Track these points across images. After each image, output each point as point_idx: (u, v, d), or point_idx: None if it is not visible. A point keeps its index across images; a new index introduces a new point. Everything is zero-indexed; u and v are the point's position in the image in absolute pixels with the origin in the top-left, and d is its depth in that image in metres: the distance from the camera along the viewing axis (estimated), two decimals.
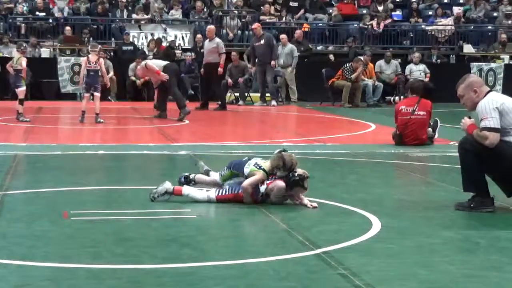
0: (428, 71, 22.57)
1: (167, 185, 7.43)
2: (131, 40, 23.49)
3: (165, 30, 24.01)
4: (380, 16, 25.76)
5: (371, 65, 21.98)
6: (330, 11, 26.33)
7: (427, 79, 21.98)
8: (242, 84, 21.11)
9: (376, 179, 9.36)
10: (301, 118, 18.52)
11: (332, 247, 5.71)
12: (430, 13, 26.89)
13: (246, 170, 7.38)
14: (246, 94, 21.29)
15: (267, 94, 20.73)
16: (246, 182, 7.26)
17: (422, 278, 4.99)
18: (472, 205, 7.12)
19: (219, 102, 19.29)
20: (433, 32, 25.77)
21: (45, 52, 22.99)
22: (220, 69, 18.89)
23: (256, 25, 21.03)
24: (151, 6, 25.08)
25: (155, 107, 16.70)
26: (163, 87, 16.35)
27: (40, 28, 24.25)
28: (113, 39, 24.24)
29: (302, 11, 26.08)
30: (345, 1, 26.84)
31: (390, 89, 22.37)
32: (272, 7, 25.66)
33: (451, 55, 25.63)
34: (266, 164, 7.37)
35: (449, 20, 26.02)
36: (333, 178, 9.28)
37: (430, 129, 12.54)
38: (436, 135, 12.79)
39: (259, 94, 20.92)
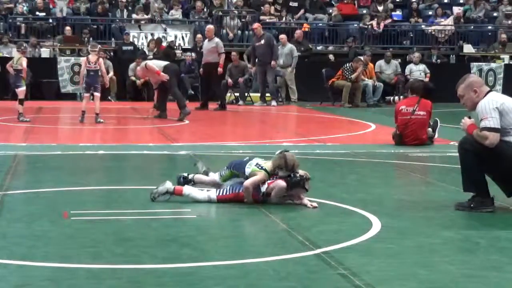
0: (428, 71, 22.58)
1: (168, 185, 7.43)
2: (131, 40, 23.49)
3: (165, 30, 24.02)
4: (380, 16, 25.76)
5: (371, 65, 21.98)
6: (330, 11, 26.34)
7: (427, 79, 21.99)
8: (242, 84, 21.11)
9: (376, 179, 9.36)
10: (301, 118, 18.52)
11: (332, 247, 5.71)
12: (430, 13, 26.89)
13: (248, 170, 7.38)
14: (246, 94, 21.29)
15: (267, 94, 20.73)
16: (248, 182, 7.26)
17: (422, 278, 4.99)
18: (472, 205, 7.12)
19: (219, 102, 19.29)
20: (433, 32, 25.77)
21: (45, 52, 23.00)
22: (219, 69, 18.89)
23: (256, 25, 21.02)
24: (151, 6, 25.08)
25: (155, 107, 16.69)
26: (163, 87, 16.34)
27: (40, 28, 24.26)
28: (113, 39, 24.24)
29: (302, 11, 26.08)
30: (345, 1, 26.84)
31: (390, 89, 22.37)
32: (272, 7, 25.66)
33: (451, 55, 25.64)
34: (268, 164, 7.38)
35: (449, 20, 26.02)
36: (333, 178, 9.28)
37: (430, 129, 12.54)
38: (436, 135, 12.79)
39: (259, 94, 20.92)
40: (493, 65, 23.19)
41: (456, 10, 26.75)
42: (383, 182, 9.17)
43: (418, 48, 25.18)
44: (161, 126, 15.07)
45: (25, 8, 24.66)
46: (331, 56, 24.49)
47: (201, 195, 7.41)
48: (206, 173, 7.94)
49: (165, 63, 16.69)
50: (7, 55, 21.44)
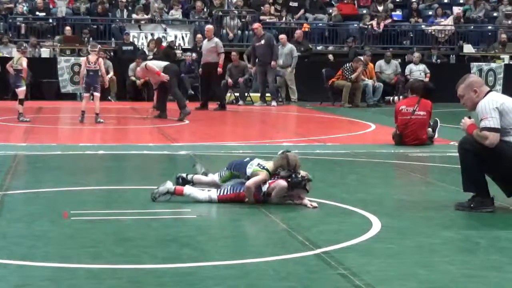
0: (428, 71, 22.58)
1: (169, 185, 7.43)
2: (131, 40, 23.50)
3: (165, 30, 24.02)
4: (380, 16, 25.76)
5: (371, 65, 21.98)
6: (330, 11, 26.34)
7: (427, 79, 21.99)
8: (242, 84, 21.11)
9: (376, 179, 9.36)
10: (301, 118, 18.52)
11: (332, 247, 5.71)
12: (430, 13, 26.89)
13: (249, 171, 7.38)
14: (246, 94, 21.29)
15: (267, 94, 20.73)
16: (250, 182, 7.27)
17: (422, 278, 4.99)
18: (472, 205, 7.12)
19: (219, 102, 19.28)
20: (433, 32, 25.78)
21: (45, 52, 22.99)
22: (219, 69, 18.88)
23: (257, 25, 21.01)
24: (151, 6, 25.08)
25: (154, 107, 16.67)
26: (163, 88, 16.34)
27: (40, 28, 24.26)
28: (113, 39, 24.24)
29: (302, 11, 26.08)
30: (345, 1, 26.84)
31: (390, 89, 22.37)
32: (272, 7, 25.66)
33: (451, 55, 25.64)
34: (269, 164, 7.38)
35: (449, 20, 26.02)
36: (333, 178, 9.28)
37: (430, 129, 12.54)
38: (436, 135, 12.79)
39: (259, 94, 20.91)
40: (493, 65, 23.20)
41: (456, 10, 26.75)
42: (383, 182, 9.17)
43: (418, 48, 25.17)
44: (161, 126, 15.07)
45: (25, 8, 24.66)
46: (330, 56, 24.49)
47: (202, 195, 7.41)
48: (205, 174, 7.94)
49: (165, 63, 16.68)
50: (7, 55, 21.44)
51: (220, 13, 25.06)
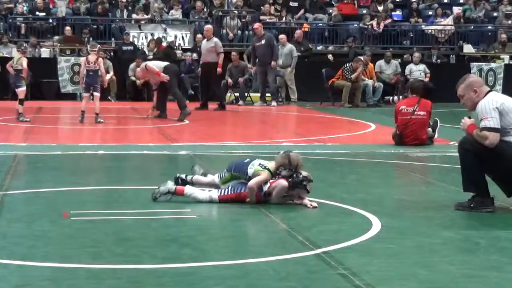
0: (428, 71, 22.58)
1: (170, 185, 7.43)
2: (131, 40, 23.50)
3: (165, 30, 24.02)
4: (380, 16, 25.76)
5: (371, 65, 21.98)
6: (330, 11, 26.34)
7: (427, 79, 21.98)
8: (242, 84, 21.11)
9: (376, 179, 9.36)
10: (301, 118, 18.52)
11: (332, 247, 5.71)
12: (430, 13, 26.89)
13: (250, 171, 7.38)
14: (246, 94, 21.29)
15: (267, 94, 20.72)
16: (252, 182, 7.27)
17: (422, 278, 4.99)
18: (472, 205, 7.12)
19: (219, 102, 19.27)
20: (433, 32, 25.77)
21: (45, 52, 23.00)
22: (218, 69, 18.86)
23: (257, 25, 20.99)
24: (151, 6, 25.08)
25: (154, 108, 16.65)
26: (163, 88, 16.34)
27: (40, 28, 24.26)
28: (113, 39, 24.24)
29: (302, 11, 26.08)
30: (345, 1, 26.84)
31: (390, 89, 22.37)
32: (272, 7, 25.66)
33: (451, 55, 25.64)
34: (271, 164, 7.39)
35: (449, 20, 26.02)
36: (333, 178, 9.28)
37: (430, 129, 12.54)
38: (436, 135, 12.79)
39: (259, 94, 20.91)
40: (493, 65, 23.20)
41: (456, 10, 26.75)
42: (383, 182, 9.17)
43: (418, 48, 25.18)
44: (161, 126, 15.07)
45: (25, 8, 24.66)
46: (329, 56, 24.49)
47: (203, 195, 7.41)
48: (204, 175, 7.94)
49: (165, 63, 16.67)
50: (7, 55, 21.45)
51: (220, 13, 25.06)
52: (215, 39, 19.22)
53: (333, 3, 27.10)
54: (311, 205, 7.25)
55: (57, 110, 19.16)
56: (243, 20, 25.09)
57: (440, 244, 5.95)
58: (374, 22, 25.38)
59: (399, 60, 23.87)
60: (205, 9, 25.45)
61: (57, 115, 18.19)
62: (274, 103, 20.48)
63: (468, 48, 25.13)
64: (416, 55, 23.13)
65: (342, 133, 14.53)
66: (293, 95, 21.42)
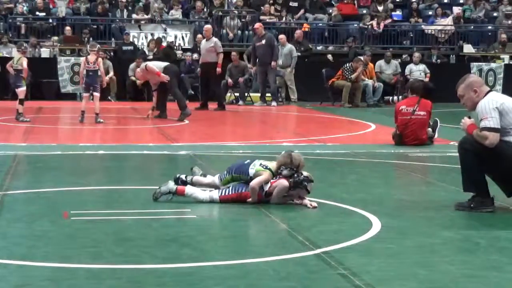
0: (428, 71, 22.57)
1: (171, 185, 7.43)
2: (131, 40, 23.50)
3: (165, 30, 24.02)
4: (380, 16, 25.77)
5: (371, 65, 21.98)
6: (330, 11, 26.34)
7: (427, 79, 21.98)
8: (242, 84, 21.11)
9: (376, 179, 9.36)
10: (301, 118, 18.52)
11: (332, 247, 5.71)
12: (430, 13, 26.89)
13: (252, 171, 7.38)
14: (246, 94, 21.29)
15: (268, 94, 20.72)
16: (254, 182, 7.27)
17: (422, 278, 4.99)
18: (472, 205, 7.12)
19: (218, 102, 19.27)
20: (433, 32, 25.77)
21: (45, 52, 23.00)
22: (218, 69, 18.85)
23: (258, 25, 20.98)
24: (151, 6, 25.08)
25: (153, 109, 16.63)
26: (163, 88, 16.33)
27: (40, 28, 24.26)
28: (113, 39, 24.24)
29: (302, 11, 26.08)
30: (345, 1, 26.84)
31: (390, 89, 22.37)
32: (272, 7, 25.66)
33: (451, 55, 25.64)
34: (272, 164, 7.40)
35: (448, 20, 26.02)
36: (333, 178, 9.29)
37: (430, 129, 12.54)
38: (436, 135, 12.79)
39: (259, 94, 20.91)
40: (493, 65, 23.20)
41: (456, 10, 26.75)
42: (383, 182, 9.17)
43: (418, 48, 25.18)
44: (161, 126, 15.07)
45: (25, 8, 24.66)
46: (329, 56, 24.49)
47: (203, 195, 7.41)
48: (203, 176, 7.93)
49: (165, 64, 16.66)
50: (7, 55, 21.45)
51: (220, 13, 25.06)
52: (215, 39, 19.21)
53: (333, 3, 27.10)
54: (311, 205, 7.25)
55: (57, 110, 19.15)
56: (243, 20, 25.09)
57: (440, 244, 5.95)
58: (374, 22, 25.38)
59: (399, 60, 23.86)
60: (205, 9, 25.46)
61: (57, 115, 18.19)
62: (274, 103, 20.47)
63: (468, 48, 25.14)
64: (416, 55, 23.13)
65: (342, 133, 14.53)
66: (293, 95, 21.42)
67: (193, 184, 7.73)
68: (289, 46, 21.44)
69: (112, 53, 23.70)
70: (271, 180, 7.32)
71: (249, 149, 11.42)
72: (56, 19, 24.37)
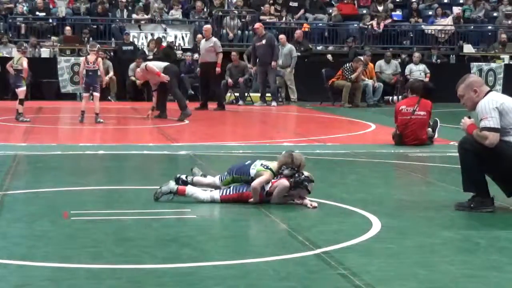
0: (428, 71, 22.57)
1: (171, 185, 7.43)
2: (131, 40, 23.50)
3: (165, 30, 24.02)
4: (380, 16, 25.76)
5: (371, 65, 21.98)
6: (330, 11, 26.34)
7: (427, 79, 21.98)
8: (242, 84, 21.11)
9: (376, 179, 9.36)
10: (301, 118, 18.52)
11: (332, 247, 5.72)
12: (430, 13, 26.89)
13: (253, 171, 7.38)
14: (246, 94, 21.29)
15: (268, 94, 20.72)
16: (256, 182, 7.27)
17: (422, 278, 4.99)
18: (472, 205, 7.12)
19: (218, 102, 19.26)
20: (433, 32, 25.77)
21: (45, 52, 23.00)
22: (217, 69, 18.83)
23: (258, 25, 20.97)
24: (151, 6, 25.08)
25: (153, 109, 16.62)
26: (163, 88, 16.33)
27: (40, 28, 24.26)
28: (113, 39, 24.24)
29: (302, 11, 26.08)
30: (345, 1, 26.84)
31: (390, 89, 22.36)
32: (272, 7, 25.65)
33: (451, 55, 25.64)
34: (273, 164, 7.40)
35: (448, 20, 26.02)
36: (333, 178, 9.29)
37: (430, 129, 12.54)
38: (436, 135, 12.79)
39: (259, 94, 20.91)
40: (493, 65, 23.20)
41: (456, 10, 26.75)
42: (383, 182, 9.17)
43: (418, 48, 25.18)
44: (161, 126, 15.07)
45: (25, 8, 24.66)
46: (329, 56, 24.48)
47: (204, 195, 7.41)
48: (204, 176, 7.93)
49: (165, 64, 16.66)
50: (7, 55, 21.45)
51: (220, 13, 25.06)
52: (214, 39, 19.20)
53: (333, 3, 27.10)
54: (311, 205, 7.25)
55: (57, 110, 19.15)
56: (243, 20, 25.09)
57: (440, 244, 5.95)
58: (374, 22, 25.38)
59: (399, 60, 23.86)
60: (205, 9, 25.46)
61: (57, 115, 18.19)
62: (274, 103, 20.47)
63: (468, 48, 25.13)
64: (416, 55, 23.13)
65: (342, 133, 14.53)
66: (292, 95, 21.42)
67: (193, 184, 7.73)
68: (289, 46, 21.44)
69: (112, 53, 23.70)
70: (272, 180, 7.33)
71: (249, 149, 11.42)
72: (56, 19, 24.37)
